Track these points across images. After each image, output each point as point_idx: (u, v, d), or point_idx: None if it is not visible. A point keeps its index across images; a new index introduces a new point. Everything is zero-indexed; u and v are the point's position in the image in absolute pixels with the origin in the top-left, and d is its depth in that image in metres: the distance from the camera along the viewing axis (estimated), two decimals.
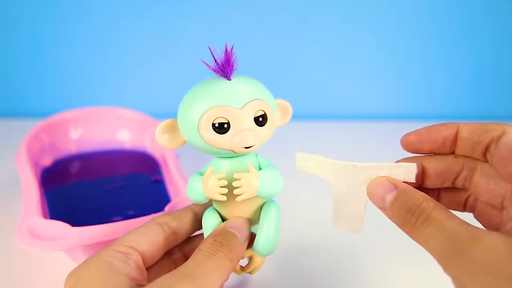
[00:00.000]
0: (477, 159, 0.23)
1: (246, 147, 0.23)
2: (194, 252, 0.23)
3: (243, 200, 0.24)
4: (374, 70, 0.62)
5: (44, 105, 0.60)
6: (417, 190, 0.22)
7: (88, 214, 0.37)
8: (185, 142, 0.25)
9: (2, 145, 0.51)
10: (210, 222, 0.25)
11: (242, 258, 0.26)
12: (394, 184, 0.22)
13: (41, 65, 0.58)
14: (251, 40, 0.58)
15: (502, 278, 0.17)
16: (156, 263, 0.26)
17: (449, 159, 0.24)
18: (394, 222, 0.22)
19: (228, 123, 0.22)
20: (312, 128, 0.58)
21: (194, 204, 0.28)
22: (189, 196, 0.24)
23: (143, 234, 0.25)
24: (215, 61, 0.23)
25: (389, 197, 0.22)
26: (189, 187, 0.24)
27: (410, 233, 0.20)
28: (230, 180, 0.24)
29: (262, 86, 0.24)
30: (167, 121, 0.24)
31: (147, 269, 0.25)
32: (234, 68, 0.23)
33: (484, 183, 0.23)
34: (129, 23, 0.56)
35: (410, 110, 0.64)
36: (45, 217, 0.33)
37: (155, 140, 0.46)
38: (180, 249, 0.28)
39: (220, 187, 0.23)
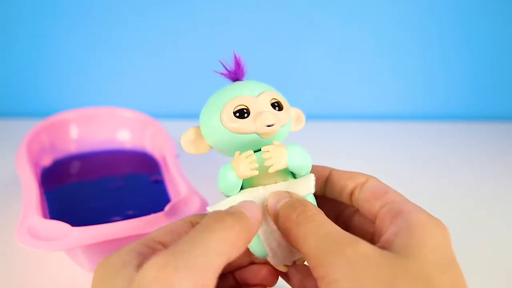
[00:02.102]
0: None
1: (269, 125, 0.24)
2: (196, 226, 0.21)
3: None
4: (374, 70, 0.62)
5: (44, 105, 0.60)
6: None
7: (88, 214, 0.37)
8: (210, 147, 0.26)
9: (2, 145, 0.51)
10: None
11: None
12: (289, 194, 0.23)
13: (41, 65, 0.58)
14: (251, 40, 0.58)
15: (376, 281, 0.17)
16: None
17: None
18: (280, 228, 0.22)
19: (248, 109, 0.24)
20: (312, 128, 0.58)
21: None
22: (223, 189, 0.24)
23: (172, 230, 0.24)
24: (226, 69, 0.25)
25: (280, 204, 0.22)
26: (221, 178, 0.24)
27: (290, 230, 0.21)
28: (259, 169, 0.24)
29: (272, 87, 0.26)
30: (190, 131, 0.26)
31: None
32: (245, 72, 0.25)
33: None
34: (129, 23, 0.56)
35: (410, 110, 0.64)
36: (45, 217, 0.33)
37: (155, 140, 0.46)
38: None
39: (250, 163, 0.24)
